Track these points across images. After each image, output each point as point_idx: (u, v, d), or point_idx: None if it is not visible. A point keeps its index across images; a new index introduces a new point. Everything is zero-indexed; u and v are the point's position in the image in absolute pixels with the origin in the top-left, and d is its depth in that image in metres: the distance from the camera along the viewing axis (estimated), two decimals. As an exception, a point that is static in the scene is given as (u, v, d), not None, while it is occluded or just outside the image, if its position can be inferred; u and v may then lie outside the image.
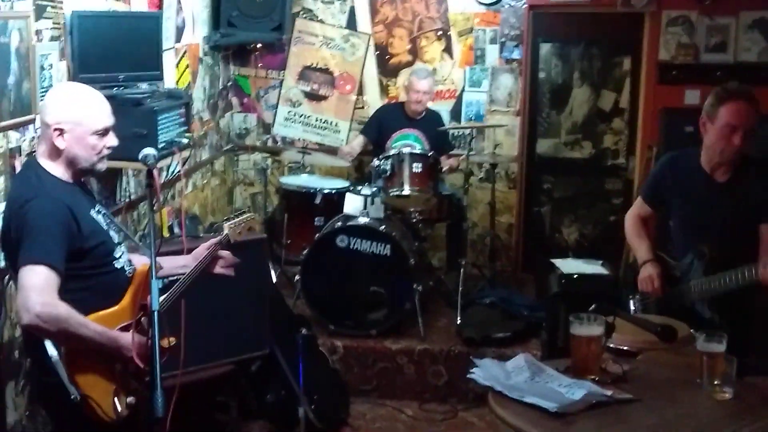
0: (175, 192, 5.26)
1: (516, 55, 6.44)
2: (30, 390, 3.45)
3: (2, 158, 3.37)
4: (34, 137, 3.60)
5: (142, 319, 2.81)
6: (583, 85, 6.59)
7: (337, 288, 5.14)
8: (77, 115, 2.77)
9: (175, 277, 3.07)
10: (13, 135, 3.46)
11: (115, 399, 2.76)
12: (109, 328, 2.72)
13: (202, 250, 3.13)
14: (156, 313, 2.57)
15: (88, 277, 2.75)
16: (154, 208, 2.88)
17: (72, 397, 2.66)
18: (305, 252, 5.18)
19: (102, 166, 2.87)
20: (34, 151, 3.56)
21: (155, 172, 2.84)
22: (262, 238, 4.57)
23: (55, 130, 2.75)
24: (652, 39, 6.31)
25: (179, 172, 4.80)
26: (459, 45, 6.47)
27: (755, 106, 3.45)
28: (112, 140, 2.86)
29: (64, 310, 2.60)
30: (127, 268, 2.91)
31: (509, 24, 6.41)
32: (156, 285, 2.62)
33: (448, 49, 6.49)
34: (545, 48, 6.60)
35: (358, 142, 6.21)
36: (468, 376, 2.87)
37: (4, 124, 3.36)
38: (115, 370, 2.78)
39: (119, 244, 2.91)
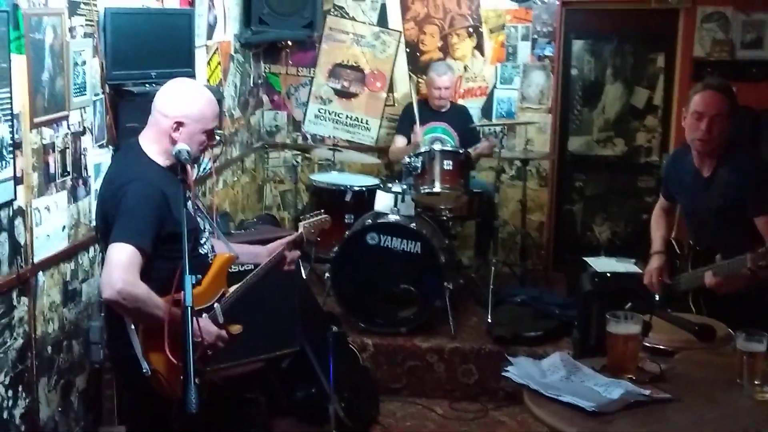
0: (206, 189, 5.27)
1: (548, 51, 6.39)
2: (110, 360, 3.52)
3: (36, 154, 3.38)
4: (67, 133, 3.61)
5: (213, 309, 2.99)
6: (616, 81, 6.53)
7: (367, 285, 5.12)
8: (198, 112, 2.95)
9: (247, 268, 3.27)
10: (47, 131, 3.48)
11: (182, 378, 2.79)
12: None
13: (276, 245, 3.32)
14: (189, 309, 2.58)
15: (175, 259, 2.82)
16: (187, 202, 2.89)
17: (144, 370, 2.79)
18: (335, 249, 5.17)
19: (198, 162, 3.18)
20: (68, 147, 3.61)
21: (188, 167, 2.88)
22: (300, 235, 4.55)
23: (176, 123, 2.92)
24: (686, 35, 6.23)
25: (210, 169, 4.81)
26: (490, 42, 6.43)
27: (723, 95, 3.53)
28: (214, 139, 3.08)
29: (143, 290, 2.75)
30: (210, 254, 3.09)
31: (541, 20, 6.36)
32: (189, 281, 2.63)
33: (479, 46, 6.45)
34: (578, 45, 6.54)
35: (401, 143, 6.12)
36: (503, 374, 2.84)
37: (38, 120, 3.38)
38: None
39: (204, 230, 3.10)
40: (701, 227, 3.71)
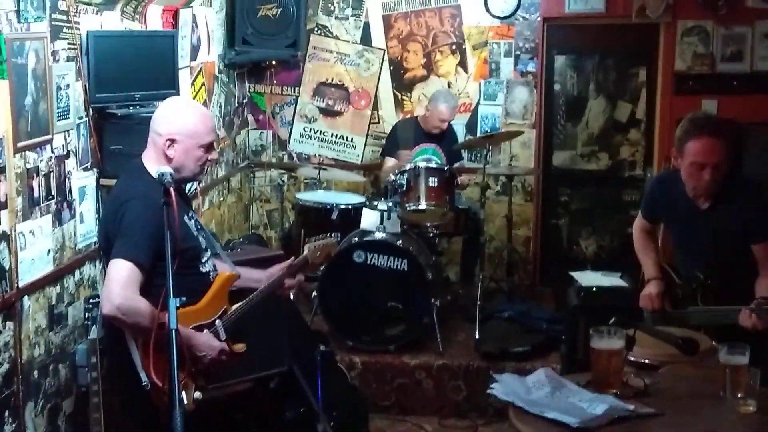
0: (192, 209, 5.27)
1: (531, 67, 6.44)
2: (109, 372, 3.51)
3: (20, 179, 3.39)
4: (51, 157, 3.62)
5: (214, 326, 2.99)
6: (599, 96, 6.57)
7: (355, 303, 5.12)
8: (189, 128, 2.99)
9: (247, 288, 3.24)
10: (31, 155, 3.48)
11: (183, 392, 2.85)
12: (185, 325, 2.84)
13: (276, 270, 3.30)
14: (173, 332, 2.58)
15: (174, 276, 2.81)
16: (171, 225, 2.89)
17: (143, 384, 2.80)
18: (322, 268, 5.17)
19: (202, 177, 3.15)
20: (52, 171, 3.62)
21: (171, 190, 2.86)
22: (279, 254, 4.56)
23: (168, 140, 2.96)
24: (667, 49, 6.29)
25: (196, 189, 4.81)
26: (473, 58, 6.47)
27: (723, 140, 3.39)
28: (214, 154, 3.09)
29: (143, 304, 2.78)
30: (212, 273, 3.10)
31: (524, 37, 6.41)
32: (174, 303, 2.63)
33: (462, 63, 6.49)
34: (560, 60, 6.59)
35: (390, 164, 6.07)
36: (488, 391, 2.85)
37: (21, 144, 3.38)
38: (186, 365, 2.89)
39: (206, 249, 3.10)
40: (700, 258, 3.58)
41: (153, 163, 2.99)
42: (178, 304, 2.63)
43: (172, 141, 2.96)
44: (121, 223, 2.85)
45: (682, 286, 3.70)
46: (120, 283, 2.77)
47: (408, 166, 5.43)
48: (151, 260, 2.83)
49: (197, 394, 2.93)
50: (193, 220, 3.08)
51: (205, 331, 2.98)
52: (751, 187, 3.59)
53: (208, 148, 3.03)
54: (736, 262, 3.48)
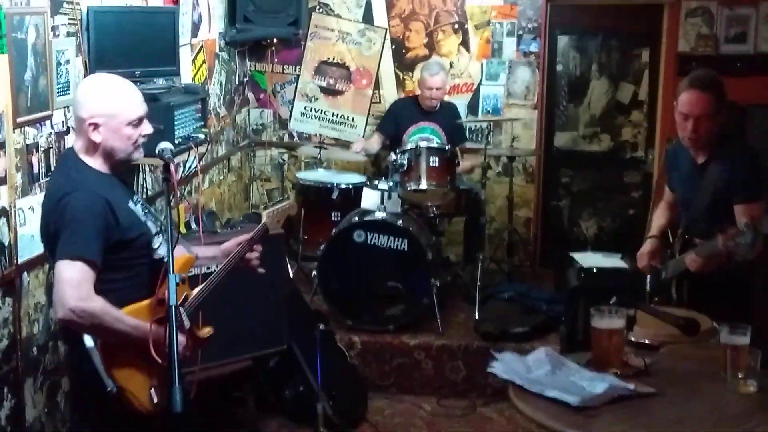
0: (192, 188, 5.26)
1: (533, 47, 6.40)
2: (69, 380, 3.44)
3: (20, 154, 3.37)
4: (51, 133, 3.60)
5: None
6: (602, 77, 6.54)
7: (355, 283, 5.12)
8: (110, 107, 2.77)
9: (207, 270, 3.08)
10: (30, 131, 3.46)
11: (152, 390, 2.75)
12: (144, 320, 2.71)
13: (232, 245, 3.11)
14: (173, 308, 2.54)
15: (128, 267, 2.78)
16: (171, 203, 2.87)
17: (108, 389, 2.68)
18: (322, 247, 5.17)
19: (138, 155, 2.88)
20: (51, 147, 3.60)
21: (172, 166, 2.83)
22: (279, 233, 4.55)
23: (90, 124, 2.76)
24: (671, 30, 6.25)
25: (196, 167, 4.80)
26: (476, 38, 6.44)
27: (710, 95, 3.49)
28: (147, 128, 2.86)
29: (99, 305, 2.63)
30: (166, 259, 2.89)
31: (526, 16, 6.37)
32: (174, 280, 2.59)
33: (464, 43, 6.45)
34: (563, 40, 6.55)
35: (375, 140, 6.19)
36: (488, 370, 2.85)
37: (21, 120, 3.36)
38: (152, 362, 2.76)
39: (157, 234, 2.91)
40: (693, 216, 3.71)
41: (85, 152, 2.81)
42: (177, 281, 2.59)
43: (95, 125, 2.75)
44: (62, 219, 2.66)
45: (671, 244, 3.83)
46: (71, 284, 2.60)
47: (409, 146, 5.42)
48: (101, 255, 2.67)
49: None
50: (139, 204, 2.90)
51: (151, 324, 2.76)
52: (745, 149, 3.70)
53: (138, 123, 2.82)
54: (717, 219, 3.52)
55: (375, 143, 6.18)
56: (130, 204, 2.86)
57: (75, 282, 2.61)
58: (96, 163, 2.81)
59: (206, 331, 2.94)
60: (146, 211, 2.93)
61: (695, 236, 3.62)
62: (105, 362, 2.69)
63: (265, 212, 3.23)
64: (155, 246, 2.89)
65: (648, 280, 3.88)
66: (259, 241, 3.14)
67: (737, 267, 3.34)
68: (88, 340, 2.70)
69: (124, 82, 2.85)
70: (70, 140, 3.78)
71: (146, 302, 2.77)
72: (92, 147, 2.79)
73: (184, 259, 2.95)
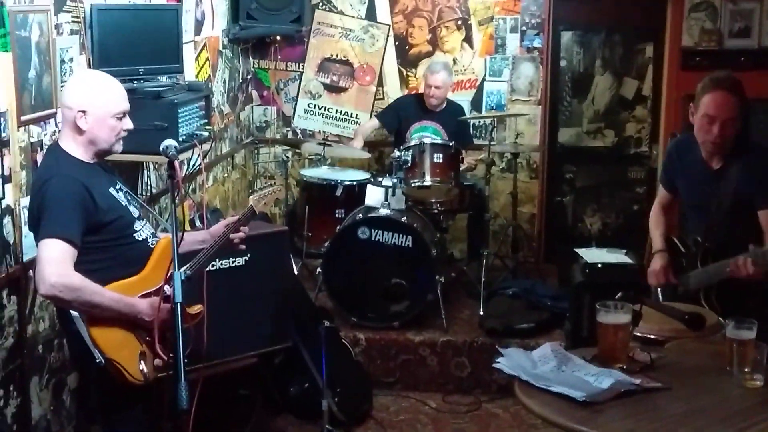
0: (196, 186, 5.26)
1: (537, 43, 6.39)
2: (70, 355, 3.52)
3: (24, 152, 3.37)
4: (55, 131, 3.60)
5: (166, 287, 2.87)
6: (605, 72, 6.53)
7: (359, 280, 5.12)
8: (99, 98, 2.97)
9: (194, 252, 3.15)
10: (35, 129, 3.46)
11: (142, 362, 2.88)
12: (130, 296, 2.88)
13: (220, 227, 3.28)
14: (179, 305, 2.57)
15: (109, 248, 2.93)
16: (176, 200, 2.88)
17: (97, 360, 2.81)
18: (326, 244, 5.17)
19: (118, 147, 3.06)
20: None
21: (176, 164, 2.87)
22: (284, 230, 4.56)
23: (79, 111, 2.93)
24: (674, 25, 6.24)
25: (200, 165, 4.79)
26: (479, 34, 6.43)
27: (736, 97, 3.41)
28: (128, 123, 3.05)
29: (77, 279, 2.78)
30: (150, 240, 3.07)
31: (530, 12, 6.36)
32: (179, 277, 2.62)
33: (468, 39, 6.45)
34: (566, 36, 6.54)
35: (371, 124, 6.24)
36: (494, 365, 2.85)
37: (25, 118, 3.36)
38: (140, 334, 2.91)
39: (139, 218, 3.08)
40: (710, 222, 3.58)
41: (69, 141, 2.98)
42: (182, 277, 2.61)
43: (83, 112, 2.93)
44: (43, 202, 2.84)
45: (684, 253, 3.71)
46: (52, 261, 2.76)
47: (413, 142, 5.42)
48: (80, 235, 2.83)
49: (157, 361, 2.92)
50: (122, 192, 3.06)
51: (153, 297, 2.92)
52: (765, 152, 3.58)
53: (121, 117, 3.01)
54: (738, 225, 3.47)
55: (370, 127, 6.22)
56: (111, 190, 3.02)
57: (54, 259, 2.76)
58: (78, 152, 2.98)
59: (196, 308, 3.03)
60: (130, 197, 3.10)
61: (714, 243, 3.52)
62: (91, 335, 2.82)
63: (252, 197, 3.36)
64: (136, 228, 3.04)
65: (659, 292, 3.76)
66: (245, 222, 3.30)
67: None
68: (76, 316, 2.83)
69: (111, 78, 3.07)
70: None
71: (130, 279, 2.93)
72: (77, 135, 2.96)
73: (167, 240, 2.99)
